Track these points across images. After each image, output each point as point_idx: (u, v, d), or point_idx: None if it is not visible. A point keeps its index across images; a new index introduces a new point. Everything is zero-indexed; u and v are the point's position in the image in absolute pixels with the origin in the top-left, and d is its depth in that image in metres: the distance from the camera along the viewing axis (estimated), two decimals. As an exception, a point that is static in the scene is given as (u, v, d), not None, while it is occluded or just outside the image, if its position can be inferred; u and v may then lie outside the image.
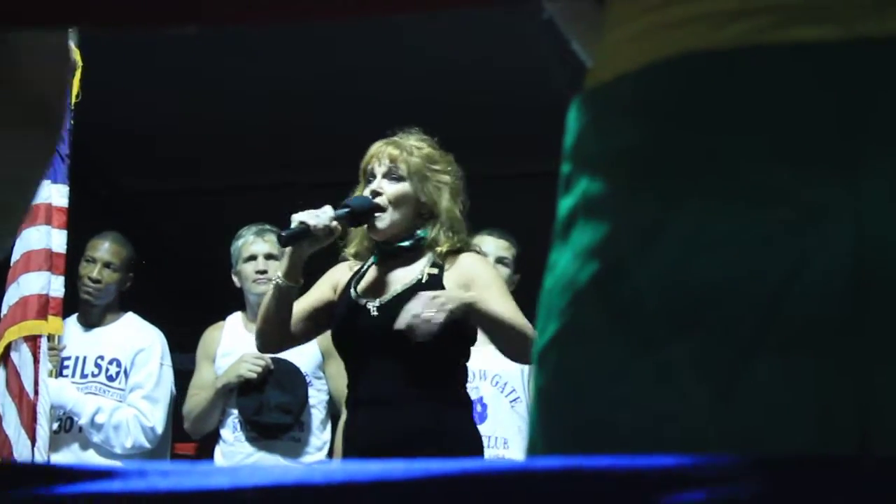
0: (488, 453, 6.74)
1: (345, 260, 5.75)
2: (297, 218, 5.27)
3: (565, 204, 1.52)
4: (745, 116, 1.44)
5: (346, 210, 5.31)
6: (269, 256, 5.72)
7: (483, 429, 6.71)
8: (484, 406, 6.87)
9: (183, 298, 7.34)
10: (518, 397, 6.82)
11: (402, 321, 4.99)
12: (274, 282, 5.46)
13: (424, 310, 4.91)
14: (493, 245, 6.95)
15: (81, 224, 6.93)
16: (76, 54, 6.62)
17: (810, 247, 1.38)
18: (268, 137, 8.21)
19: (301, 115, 8.53)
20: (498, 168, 8.19)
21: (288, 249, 5.39)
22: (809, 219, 1.37)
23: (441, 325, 4.97)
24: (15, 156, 1.80)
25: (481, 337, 6.32)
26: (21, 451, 6.23)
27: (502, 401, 6.89)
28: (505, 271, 6.90)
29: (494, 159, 8.21)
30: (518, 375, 6.79)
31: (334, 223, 5.28)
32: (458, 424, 5.25)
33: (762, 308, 1.39)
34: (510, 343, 5.14)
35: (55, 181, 6.77)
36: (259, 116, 8.59)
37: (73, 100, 6.86)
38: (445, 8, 1.12)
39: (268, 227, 6.52)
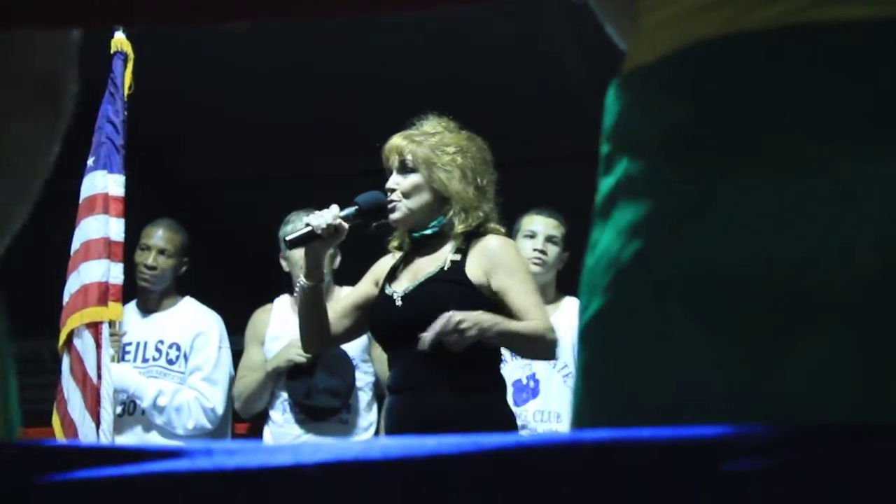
0: (541, 427, 6.70)
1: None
2: (304, 220, 5.33)
3: (606, 183, 1.53)
4: (785, 95, 1.44)
5: (355, 208, 5.31)
6: (346, 219, 5.76)
7: (535, 403, 6.78)
8: (536, 382, 6.85)
9: (233, 281, 7.30)
10: (570, 372, 6.74)
11: (424, 341, 5.03)
12: (298, 285, 5.48)
13: (447, 333, 4.91)
14: (541, 224, 6.93)
15: (138, 212, 6.92)
16: (128, 47, 6.59)
17: (847, 222, 1.37)
18: (316, 128, 8.16)
19: (346, 108, 8.47)
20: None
21: (303, 251, 5.39)
22: (845, 196, 1.37)
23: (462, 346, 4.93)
24: (25, 133, 1.81)
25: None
26: (86, 433, 6.25)
27: (555, 376, 6.86)
28: (554, 249, 6.85)
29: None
30: (570, 351, 6.71)
31: (338, 222, 5.27)
32: (487, 409, 5.26)
33: (804, 281, 1.38)
34: (526, 352, 5.24)
35: (111, 171, 6.77)
36: (305, 109, 8.52)
37: (127, 91, 6.84)
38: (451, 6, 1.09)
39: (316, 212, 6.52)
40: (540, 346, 4.99)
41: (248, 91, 8.65)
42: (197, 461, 1.12)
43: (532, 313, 5.08)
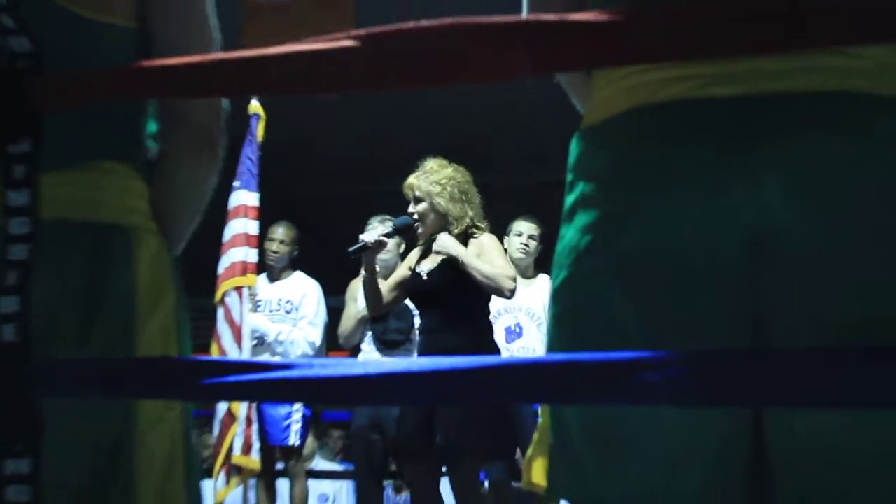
0: (519, 359, 6.82)
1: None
2: (360, 237, 5.43)
3: (570, 198, 1.57)
4: (677, 142, 1.45)
5: (392, 229, 5.59)
6: (387, 236, 5.76)
7: (520, 343, 6.88)
8: (521, 328, 6.85)
9: (332, 263, 7.30)
10: (541, 321, 6.79)
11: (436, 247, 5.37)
12: (361, 276, 5.58)
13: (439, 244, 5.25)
14: (525, 226, 6.90)
15: (266, 216, 6.99)
16: (261, 110, 6.65)
17: (725, 222, 1.41)
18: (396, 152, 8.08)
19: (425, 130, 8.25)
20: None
21: (362, 256, 5.47)
22: (723, 205, 1.41)
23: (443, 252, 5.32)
24: (191, 168, 1.84)
25: (522, 281, 6.45)
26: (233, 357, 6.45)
27: (531, 324, 6.86)
28: (533, 243, 6.87)
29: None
30: (543, 309, 6.77)
31: (382, 238, 5.42)
32: (480, 343, 5.29)
33: (690, 259, 1.42)
34: (489, 285, 5.25)
35: (250, 190, 6.88)
36: (386, 134, 8.31)
37: (259, 140, 6.91)
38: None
39: (388, 217, 6.52)
40: (497, 283, 5.18)
41: (338, 127, 8.44)
42: (304, 371, 1.15)
43: (497, 265, 5.26)
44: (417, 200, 5.44)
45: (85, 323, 1.66)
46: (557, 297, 1.56)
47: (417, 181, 5.43)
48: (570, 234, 1.54)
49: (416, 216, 5.46)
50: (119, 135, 1.79)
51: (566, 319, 1.54)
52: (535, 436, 1.71)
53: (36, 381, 1.12)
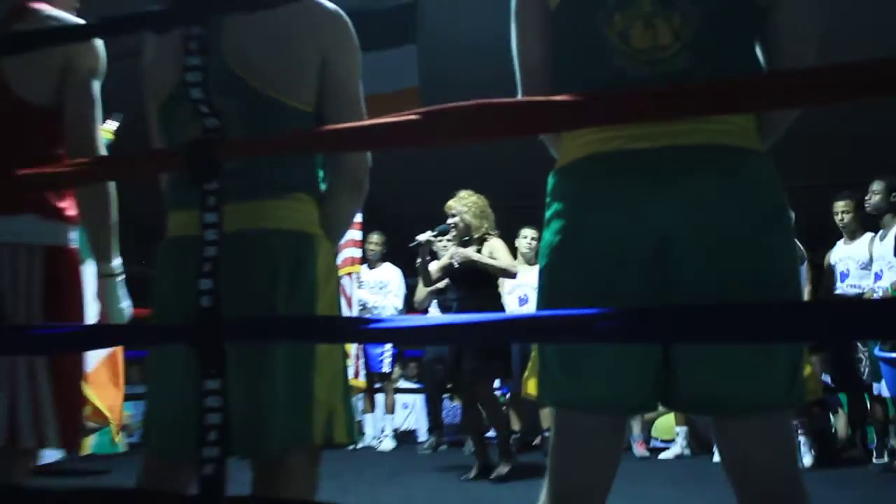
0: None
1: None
2: (416, 237, 5.68)
3: (547, 213, 1.53)
4: (612, 178, 1.44)
5: (436, 232, 5.68)
6: (434, 237, 5.83)
7: (527, 306, 6.82)
8: (527, 297, 6.84)
9: (409, 257, 7.28)
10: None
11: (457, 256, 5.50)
12: (418, 263, 5.79)
13: (458, 255, 5.38)
14: (529, 231, 6.89)
15: (366, 227, 6.98)
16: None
17: (642, 226, 1.41)
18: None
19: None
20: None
21: (418, 249, 5.71)
22: (641, 216, 1.42)
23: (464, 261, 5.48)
24: (344, 201, 1.83)
25: (528, 267, 6.62)
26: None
27: (534, 294, 6.85)
28: (535, 243, 6.84)
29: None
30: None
31: (430, 238, 5.65)
32: (490, 305, 5.43)
33: (622, 251, 1.42)
34: (497, 274, 5.56)
35: (356, 211, 6.89)
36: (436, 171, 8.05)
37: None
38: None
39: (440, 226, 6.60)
40: (504, 271, 5.48)
41: (408, 170, 8.41)
42: (391, 323, 1.13)
43: (502, 259, 5.48)
44: (453, 215, 5.61)
45: (290, 291, 1.71)
46: (541, 275, 1.53)
47: (453, 203, 5.66)
48: (547, 236, 1.52)
49: (452, 225, 5.60)
50: (306, 178, 1.81)
51: (546, 289, 1.51)
52: (529, 363, 1.73)
53: (227, 331, 1.14)
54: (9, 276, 2.04)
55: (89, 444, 6.33)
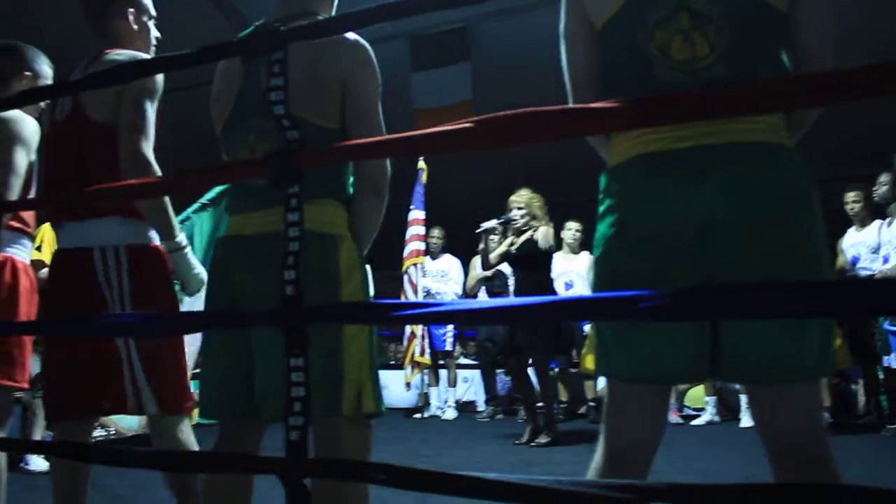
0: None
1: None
2: (481, 225, 5.67)
3: (600, 208, 1.53)
4: (658, 175, 1.43)
5: (498, 221, 5.65)
6: (500, 225, 5.86)
7: (572, 290, 6.72)
8: (572, 283, 6.79)
9: (461, 247, 7.27)
10: (583, 278, 6.68)
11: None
12: (480, 248, 5.81)
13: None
14: (574, 224, 6.86)
15: (430, 223, 6.97)
16: (425, 165, 6.60)
17: (685, 217, 1.40)
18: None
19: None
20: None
21: (482, 236, 5.72)
22: (684, 208, 1.41)
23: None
24: (367, 205, 1.86)
25: (572, 255, 6.64)
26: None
27: (578, 280, 6.78)
28: (579, 235, 6.81)
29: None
30: (584, 271, 6.71)
31: (494, 225, 5.65)
32: (543, 288, 5.38)
33: (668, 240, 1.41)
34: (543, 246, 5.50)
35: (420, 209, 6.88)
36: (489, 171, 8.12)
37: (424, 181, 6.88)
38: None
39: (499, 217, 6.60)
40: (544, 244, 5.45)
41: (465, 172, 8.43)
42: (449, 306, 1.12)
43: (547, 237, 5.45)
44: (518, 208, 5.57)
45: (315, 284, 1.71)
46: (596, 263, 1.52)
47: (516, 197, 5.61)
48: (601, 229, 1.52)
49: (514, 216, 5.57)
50: (335, 186, 1.83)
51: (602, 276, 1.51)
52: (587, 340, 1.72)
53: (308, 315, 1.15)
54: (101, 274, 2.10)
55: (195, 414, 6.46)
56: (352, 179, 1.88)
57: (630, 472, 1.47)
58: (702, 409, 6.73)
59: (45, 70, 2.68)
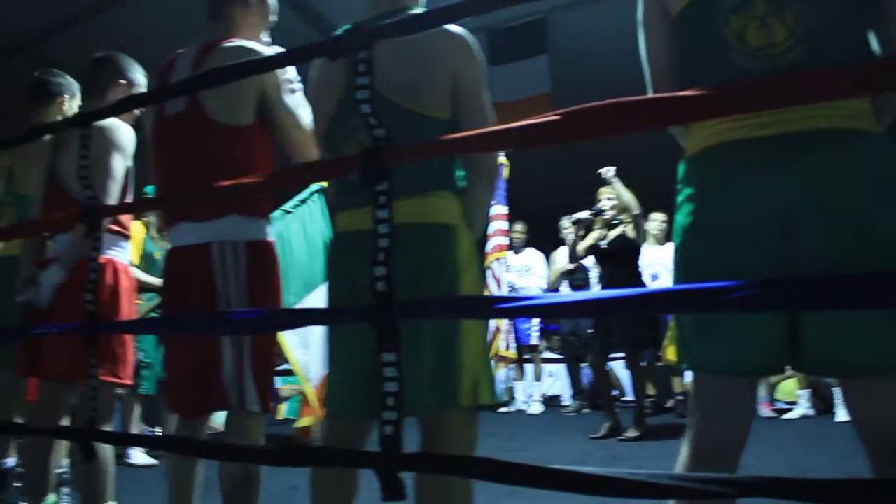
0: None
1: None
2: (573, 216, 5.60)
3: (679, 198, 1.53)
4: (738, 164, 1.43)
5: (589, 213, 5.56)
6: (592, 215, 5.83)
7: (658, 282, 6.61)
8: (658, 274, 6.69)
9: (551, 243, 7.23)
10: (669, 270, 6.62)
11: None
12: (569, 239, 5.79)
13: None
14: (659, 215, 6.77)
15: (513, 218, 6.97)
16: (506, 161, 6.59)
17: (768, 207, 1.39)
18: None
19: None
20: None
21: (574, 227, 5.66)
22: (767, 197, 1.40)
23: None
24: (480, 195, 1.89)
25: (658, 246, 6.58)
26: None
27: (664, 270, 6.69)
28: (664, 226, 6.71)
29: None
30: (669, 262, 6.62)
31: (585, 216, 5.56)
32: (632, 281, 5.31)
33: (749, 229, 1.40)
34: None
35: (502, 203, 6.85)
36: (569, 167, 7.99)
37: (505, 177, 6.87)
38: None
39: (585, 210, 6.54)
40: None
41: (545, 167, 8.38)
42: (536, 301, 1.12)
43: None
44: (609, 198, 5.52)
45: (435, 276, 1.75)
46: (676, 253, 1.52)
47: (607, 189, 5.54)
48: (680, 218, 1.52)
49: (604, 207, 5.53)
50: (446, 178, 1.85)
51: (681, 265, 1.51)
52: (668, 332, 1.71)
53: (400, 311, 1.16)
54: (220, 269, 2.11)
55: (283, 409, 6.62)
56: (462, 172, 1.90)
57: (717, 466, 1.45)
58: (794, 403, 6.55)
59: (139, 78, 2.77)
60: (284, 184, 1.46)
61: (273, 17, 2.39)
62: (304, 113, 2.18)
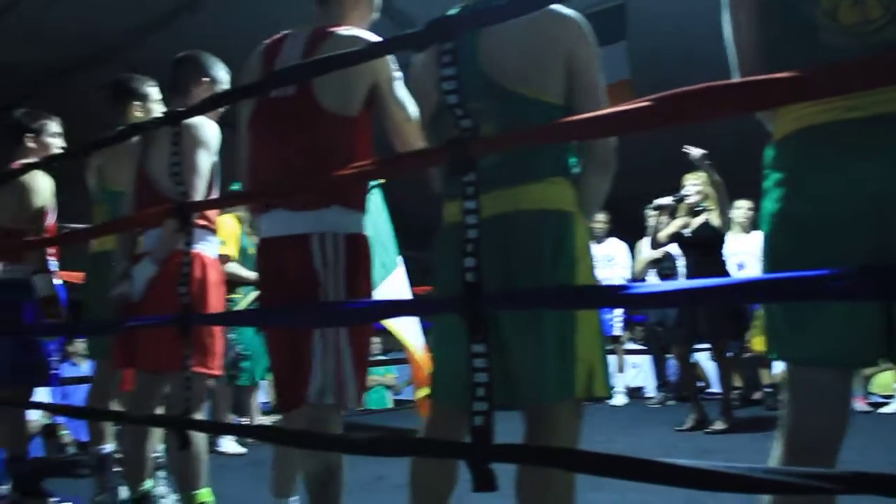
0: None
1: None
2: (654, 202, 5.51)
3: (766, 184, 1.49)
4: (828, 147, 1.40)
5: (676, 198, 5.44)
6: (676, 201, 5.72)
7: (744, 272, 6.44)
8: (745, 263, 6.52)
9: (634, 232, 7.11)
10: (756, 258, 6.47)
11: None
12: (653, 227, 5.62)
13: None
14: (744, 202, 6.59)
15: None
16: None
17: (860, 191, 1.36)
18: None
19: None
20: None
21: (657, 213, 5.53)
22: (859, 181, 1.37)
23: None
24: (595, 181, 1.86)
25: (743, 235, 6.37)
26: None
27: (752, 259, 6.51)
28: (750, 212, 6.55)
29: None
30: (757, 251, 6.46)
31: (667, 202, 5.45)
32: (717, 271, 5.17)
33: (841, 215, 1.37)
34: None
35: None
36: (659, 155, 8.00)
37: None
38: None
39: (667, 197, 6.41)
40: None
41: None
42: (633, 289, 1.10)
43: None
44: (692, 185, 5.40)
45: (553, 264, 1.74)
46: (765, 241, 1.50)
47: (692, 176, 5.42)
48: (768, 205, 1.48)
49: (688, 193, 5.41)
50: (559, 164, 1.82)
51: (770, 253, 1.48)
52: (757, 322, 1.69)
53: (489, 302, 1.16)
54: (320, 259, 2.09)
55: (365, 400, 6.71)
56: (575, 159, 1.88)
57: (814, 461, 1.41)
58: (891, 396, 6.33)
59: (221, 75, 2.83)
60: (384, 175, 1.47)
61: (377, 14, 2.39)
62: (412, 106, 2.17)
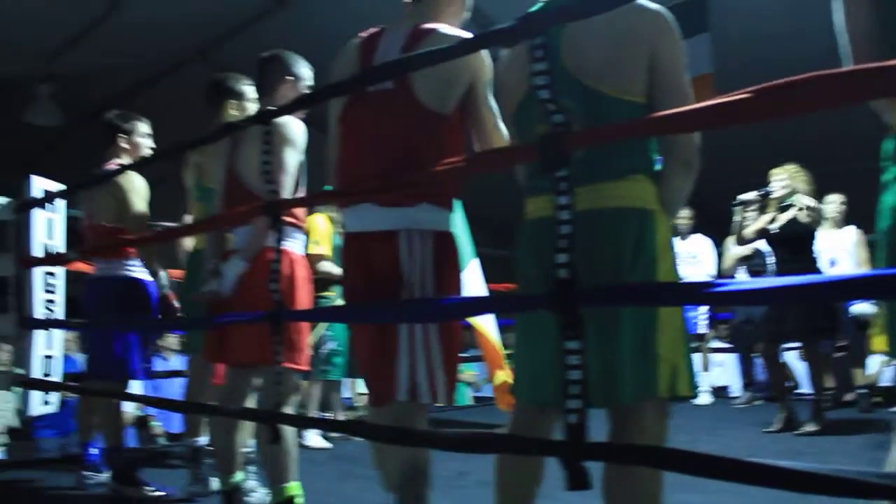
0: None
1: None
2: (738, 198, 5.37)
3: (886, 177, 1.42)
4: None
5: (761, 193, 5.28)
6: (761, 196, 5.57)
7: (836, 268, 6.23)
8: (837, 260, 6.31)
9: (720, 230, 6.93)
10: (848, 254, 6.26)
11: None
12: (736, 221, 5.48)
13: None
14: (836, 197, 6.38)
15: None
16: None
17: None
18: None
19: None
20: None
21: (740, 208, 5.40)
22: None
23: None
24: (678, 180, 1.81)
25: (835, 231, 6.19)
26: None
27: (844, 255, 6.29)
28: (842, 207, 6.35)
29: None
30: (848, 247, 6.26)
31: (752, 198, 5.30)
32: (808, 268, 5.04)
33: None
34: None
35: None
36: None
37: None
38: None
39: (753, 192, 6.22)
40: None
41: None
42: (708, 288, 1.06)
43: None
44: (778, 179, 5.26)
45: (634, 261, 1.72)
46: (887, 235, 1.42)
47: (779, 170, 5.29)
48: (889, 199, 1.41)
49: (773, 188, 5.27)
50: (642, 161, 1.80)
51: (892, 248, 1.41)
52: (875, 320, 1.63)
53: (580, 298, 1.15)
54: (407, 256, 2.09)
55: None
56: (658, 157, 1.85)
57: None
58: None
59: (305, 73, 2.86)
60: (475, 171, 1.47)
61: (468, 13, 2.38)
62: (498, 113, 2.17)
